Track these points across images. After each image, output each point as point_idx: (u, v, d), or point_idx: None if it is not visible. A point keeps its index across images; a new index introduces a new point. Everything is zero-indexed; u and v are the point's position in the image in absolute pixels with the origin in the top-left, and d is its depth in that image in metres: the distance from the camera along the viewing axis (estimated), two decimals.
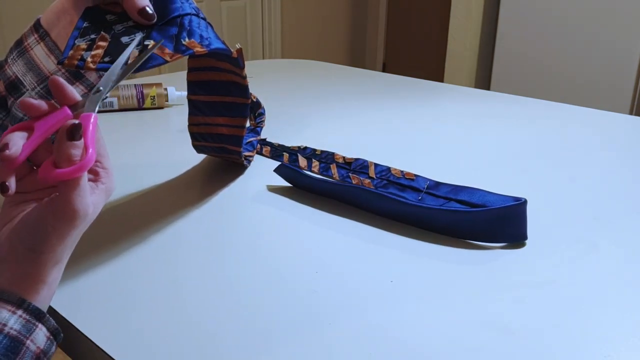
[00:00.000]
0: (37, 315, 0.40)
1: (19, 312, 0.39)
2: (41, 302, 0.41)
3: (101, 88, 0.44)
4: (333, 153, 0.81)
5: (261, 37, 4.14)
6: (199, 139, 0.73)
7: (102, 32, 0.51)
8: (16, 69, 0.55)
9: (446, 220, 0.60)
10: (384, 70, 4.86)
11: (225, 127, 0.71)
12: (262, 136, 0.93)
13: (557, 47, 2.93)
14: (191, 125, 0.73)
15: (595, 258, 0.57)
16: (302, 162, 0.79)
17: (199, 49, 0.53)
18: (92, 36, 0.50)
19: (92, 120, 0.41)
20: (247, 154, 0.77)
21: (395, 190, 0.70)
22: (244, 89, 0.69)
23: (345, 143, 0.90)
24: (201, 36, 0.55)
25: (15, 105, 0.55)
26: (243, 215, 0.66)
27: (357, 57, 4.85)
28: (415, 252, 0.58)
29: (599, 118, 1.09)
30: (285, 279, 0.53)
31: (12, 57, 0.55)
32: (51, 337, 0.41)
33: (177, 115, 1.07)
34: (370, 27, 4.85)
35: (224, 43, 0.59)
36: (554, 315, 0.48)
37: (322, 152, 0.82)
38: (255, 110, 0.96)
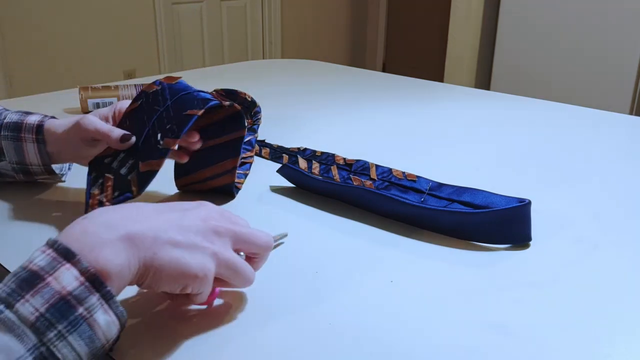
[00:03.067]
0: (66, 254, 0.37)
1: (48, 251, 0.37)
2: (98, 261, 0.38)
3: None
4: (333, 154, 0.80)
5: (261, 37, 4.14)
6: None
7: (105, 175, 0.61)
8: (5, 144, 0.64)
9: (450, 222, 0.60)
10: (384, 70, 4.86)
11: (214, 179, 0.69)
12: (261, 137, 0.93)
13: (557, 47, 2.93)
14: (179, 187, 0.71)
15: (595, 258, 0.57)
16: (302, 163, 0.79)
17: (171, 142, 0.59)
18: (100, 181, 0.61)
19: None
20: (236, 181, 0.75)
21: (397, 192, 0.69)
22: (239, 118, 0.67)
23: (345, 143, 0.90)
24: (169, 129, 0.60)
25: None
26: (246, 215, 0.66)
27: (357, 57, 4.85)
28: (415, 253, 0.58)
29: (599, 118, 1.09)
30: (286, 279, 0.53)
31: (3, 134, 0.65)
32: (87, 283, 0.37)
33: None
34: (370, 27, 4.85)
35: (198, 99, 0.61)
36: (554, 315, 0.48)
37: (323, 153, 0.81)
38: (252, 109, 0.96)
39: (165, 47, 3.57)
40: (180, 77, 0.64)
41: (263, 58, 4.24)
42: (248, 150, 0.83)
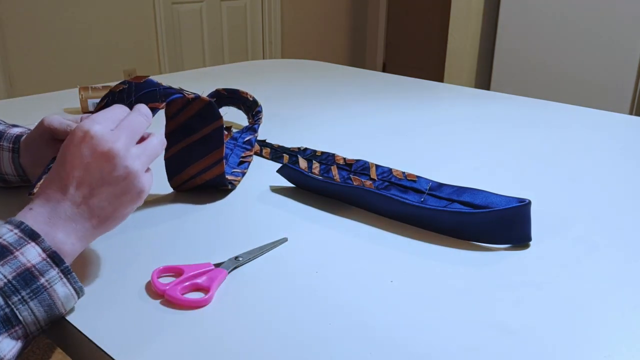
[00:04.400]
0: (31, 235, 0.44)
1: (15, 230, 0.45)
2: (55, 242, 0.46)
3: (240, 258, 0.55)
4: (334, 154, 0.80)
5: (261, 37, 4.14)
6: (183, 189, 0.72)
7: None
8: None
9: (450, 222, 0.60)
10: (384, 70, 4.86)
11: (205, 172, 0.69)
12: (262, 136, 0.93)
13: (557, 47, 2.93)
14: (174, 187, 0.72)
15: (595, 258, 0.57)
16: (303, 163, 0.79)
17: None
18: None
19: (223, 275, 0.52)
20: (231, 178, 0.75)
21: (397, 192, 0.69)
22: (211, 109, 0.67)
23: (345, 143, 0.90)
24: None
25: None
26: (246, 215, 0.66)
27: (357, 57, 4.85)
28: (416, 253, 0.58)
29: (599, 118, 1.09)
30: (286, 279, 0.53)
31: None
32: (48, 259, 0.44)
33: None
34: (370, 27, 4.85)
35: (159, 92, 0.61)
36: (554, 315, 0.48)
37: (323, 153, 0.81)
38: (253, 108, 0.96)
39: (165, 47, 3.57)
40: (148, 76, 0.64)
41: (263, 58, 4.24)
42: (247, 150, 0.83)
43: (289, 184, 0.74)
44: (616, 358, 0.43)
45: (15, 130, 0.67)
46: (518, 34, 3.06)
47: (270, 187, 0.74)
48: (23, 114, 1.06)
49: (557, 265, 0.56)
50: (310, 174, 0.71)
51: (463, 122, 1.04)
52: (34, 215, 0.46)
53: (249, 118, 0.96)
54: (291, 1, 4.19)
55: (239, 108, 0.99)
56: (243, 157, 0.81)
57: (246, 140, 0.85)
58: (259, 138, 0.92)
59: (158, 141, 0.54)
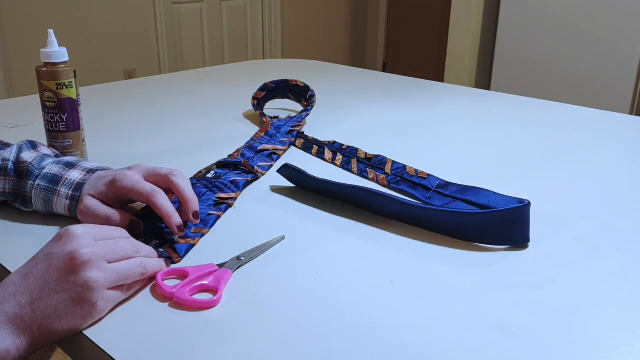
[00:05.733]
0: None
1: None
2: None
3: (242, 258, 0.56)
4: (357, 149, 0.85)
5: (261, 37, 4.14)
6: None
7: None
8: (35, 192, 0.61)
9: (450, 222, 0.60)
10: (384, 70, 4.86)
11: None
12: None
13: (557, 47, 2.93)
14: None
15: (595, 258, 0.57)
16: (328, 154, 0.85)
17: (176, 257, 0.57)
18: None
19: (228, 275, 0.52)
20: (259, 172, 0.77)
21: (406, 188, 0.72)
22: None
23: (345, 143, 0.90)
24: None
25: None
26: (246, 215, 0.66)
27: (357, 57, 4.85)
28: (415, 253, 0.58)
29: (599, 118, 1.09)
30: (286, 279, 0.53)
31: (40, 175, 0.62)
32: None
33: (184, 117, 1.07)
34: (370, 27, 4.85)
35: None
36: (554, 315, 0.48)
37: (348, 147, 0.86)
38: (306, 93, 1.06)
39: (165, 47, 3.57)
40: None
41: (263, 58, 4.24)
42: (285, 145, 0.88)
43: (289, 184, 0.74)
44: (616, 358, 0.43)
45: (75, 176, 0.62)
46: (518, 34, 3.06)
47: (270, 187, 0.74)
48: (23, 114, 1.06)
49: (556, 265, 0.56)
50: (309, 174, 0.71)
51: (462, 121, 1.04)
52: None
53: (302, 102, 1.06)
54: (291, 1, 4.19)
55: (287, 97, 1.09)
56: (275, 149, 0.85)
57: (288, 132, 0.92)
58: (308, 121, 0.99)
59: (135, 264, 0.49)
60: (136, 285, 0.50)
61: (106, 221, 0.57)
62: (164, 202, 0.57)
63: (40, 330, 0.44)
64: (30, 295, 0.44)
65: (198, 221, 0.59)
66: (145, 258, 0.51)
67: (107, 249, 0.48)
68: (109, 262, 0.47)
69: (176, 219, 0.56)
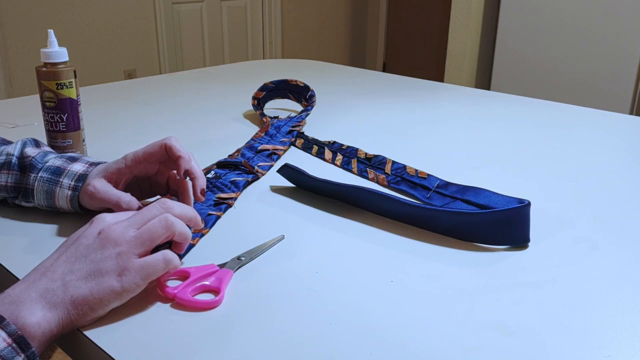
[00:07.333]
0: None
1: None
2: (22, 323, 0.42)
3: (242, 258, 0.56)
4: (357, 149, 0.85)
5: (261, 37, 4.14)
6: None
7: None
8: (38, 184, 0.61)
9: (449, 222, 0.60)
10: (384, 70, 4.86)
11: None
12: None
13: (557, 47, 2.93)
14: None
15: (595, 258, 0.57)
16: (328, 154, 0.84)
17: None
18: None
19: (230, 276, 0.52)
20: (260, 172, 0.77)
21: (406, 188, 0.72)
22: None
23: (345, 143, 0.90)
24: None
25: None
26: (246, 215, 0.66)
27: (357, 57, 4.85)
28: (415, 253, 0.58)
29: (599, 118, 1.09)
30: (286, 279, 0.53)
31: (43, 168, 0.62)
32: (14, 344, 0.41)
33: (184, 117, 1.07)
34: (370, 27, 4.85)
35: None
36: (554, 315, 0.48)
37: (348, 147, 0.86)
38: (305, 93, 1.06)
39: (165, 47, 3.57)
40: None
41: (263, 58, 4.24)
42: (285, 145, 0.87)
43: (289, 184, 0.74)
44: (616, 358, 0.43)
45: (78, 168, 0.62)
46: (518, 35, 3.06)
47: (270, 187, 0.74)
48: (23, 114, 1.06)
49: (556, 265, 0.56)
50: (309, 174, 0.71)
51: (462, 121, 1.04)
52: (1, 297, 0.44)
53: (302, 102, 1.06)
54: (291, 1, 4.19)
55: (287, 97, 1.09)
56: (275, 149, 0.85)
57: (287, 132, 0.92)
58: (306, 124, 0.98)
59: (159, 221, 0.50)
60: (169, 257, 0.49)
61: (116, 206, 0.58)
62: (195, 165, 0.60)
63: (74, 304, 0.44)
64: (62, 271, 0.45)
65: (204, 199, 0.60)
66: (169, 215, 0.50)
67: (135, 221, 0.49)
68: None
69: (202, 180, 0.60)
